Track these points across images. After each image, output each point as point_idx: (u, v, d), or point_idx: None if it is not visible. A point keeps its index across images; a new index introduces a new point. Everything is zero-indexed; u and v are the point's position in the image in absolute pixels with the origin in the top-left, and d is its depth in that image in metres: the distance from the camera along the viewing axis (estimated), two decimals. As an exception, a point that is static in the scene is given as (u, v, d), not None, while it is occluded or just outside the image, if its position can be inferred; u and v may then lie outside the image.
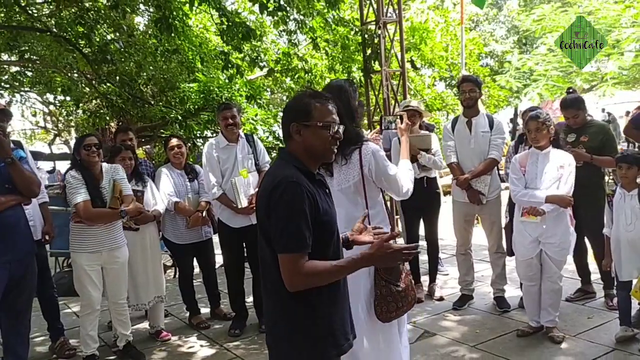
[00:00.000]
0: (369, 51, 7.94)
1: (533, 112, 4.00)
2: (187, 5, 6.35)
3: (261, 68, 7.53)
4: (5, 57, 9.54)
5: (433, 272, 5.26)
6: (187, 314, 4.98)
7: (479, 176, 4.59)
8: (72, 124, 12.86)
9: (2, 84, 10.16)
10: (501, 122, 4.95)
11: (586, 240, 4.63)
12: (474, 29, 18.29)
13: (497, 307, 4.69)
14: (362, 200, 2.90)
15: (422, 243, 5.25)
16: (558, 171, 3.82)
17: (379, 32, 7.66)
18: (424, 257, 5.26)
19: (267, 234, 1.91)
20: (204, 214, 4.71)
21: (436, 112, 11.97)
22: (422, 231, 5.29)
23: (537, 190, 3.87)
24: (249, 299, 4.82)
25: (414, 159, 4.87)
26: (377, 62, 7.90)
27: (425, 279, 5.27)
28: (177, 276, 6.37)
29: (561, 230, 3.87)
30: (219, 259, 5.19)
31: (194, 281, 5.06)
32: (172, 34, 6.44)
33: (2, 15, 7.54)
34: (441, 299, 5.06)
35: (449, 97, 11.62)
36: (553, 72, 11.12)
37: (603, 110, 17.00)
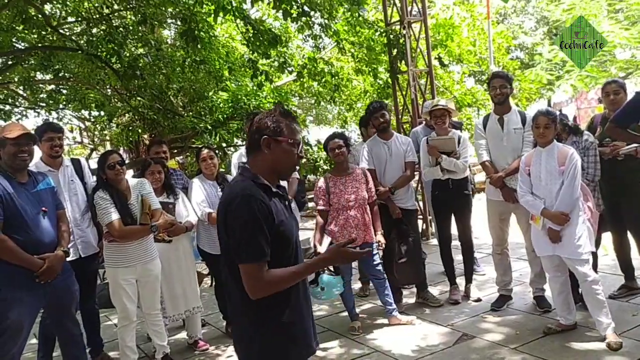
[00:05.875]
0: (394, 52, 7.88)
1: (543, 108, 4.02)
2: (212, 16, 6.42)
3: (289, 73, 7.56)
4: (40, 76, 9.81)
5: (469, 273, 5.18)
6: (224, 323, 5.02)
7: (513, 174, 4.49)
8: (107, 138, 13.14)
9: (39, 102, 10.46)
10: (534, 118, 4.84)
11: (629, 235, 4.49)
12: (501, 22, 17.97)
13: (538, 307, 4.57)
14: None
15: (456, 243, 5.18)
16: (560, 167, 3.76)
17: (404, 32, 7.60)
18: (459, 258, 5.18)
19: (226, 245, 2.01)
20: (236, 223, 4.73)
21: (467, 108, 11.80)
22: (455, 231, 5.21)
23: (537, 199, 3.89)
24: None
25: (436, 162, 4.84)
26: (403, 62, 7.84)
27: (461, 280, 5.19)
28: (213, 285, 6.44)
29: (569, 230, 3.78)
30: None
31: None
32: (198, 46, 6.53)
33: (35, 36, 7.77)
34: (479, 300, 4.98)
35: (478, 93, 11.42)
36: (586, 61, 10.83)
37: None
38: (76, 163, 4.31)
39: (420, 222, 7.91)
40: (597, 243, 4.37)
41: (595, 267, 4.16)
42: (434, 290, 5.31)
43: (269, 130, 2.03)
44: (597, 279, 3.79)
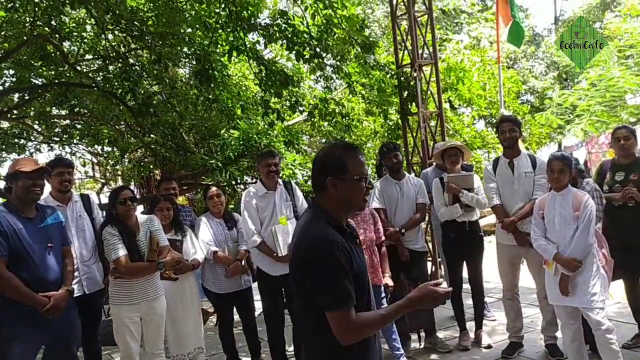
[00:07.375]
0: (405, 94, 7.95)
1: (558, 152, 3.99)
2: (226, 56, 6.54)
3: (300, 112, 7.64)
4: (55, 111, 9.98)
5: (479, 318, 5.06)
6: (228, 364, 4.92)
7: (525, 218, 4.44)
8: (119, 172, 13.24)
9: (54, 137, 10.62)
10: (544, 162, 4.82)
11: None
12: (511, 67, 18.14)
13: (550, 355, 4.45)
14: None
15: (467, 286, 5.09)
16: (574, 213, 3.71)
17: (415, 74, 7.68)
18: (469, 302, 5.08)
19: (300, 288, 1.95)
20: (243, 262, 4.71)
21: (476, 151, 11.80)
22: (465, 273, 5.12)
23: (550, 244, 3.82)
24: (290, 348, 4.72)
25: (456, 198, 4.79)
26: (413, 104, 7.90)
27: (471, 325, 5.07)
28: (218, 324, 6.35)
29: (582, 279, 3.70)
30: (258, 306, 5.15)
31: (235, 329, 5.02)
32: (212, 85, 6.63)
33: (52, 72, 7.94)
34: (489, 347, 4.85)
35: (489, 136, 11.44)
36: (596, 106, 10.83)
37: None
38: (85, 198, 4.32)
39: (429, 264, 7.82)
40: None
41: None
42: (443, 335, 5.19)
43: (333, 169, 1.97)
44: (611, 327, 3.68)
